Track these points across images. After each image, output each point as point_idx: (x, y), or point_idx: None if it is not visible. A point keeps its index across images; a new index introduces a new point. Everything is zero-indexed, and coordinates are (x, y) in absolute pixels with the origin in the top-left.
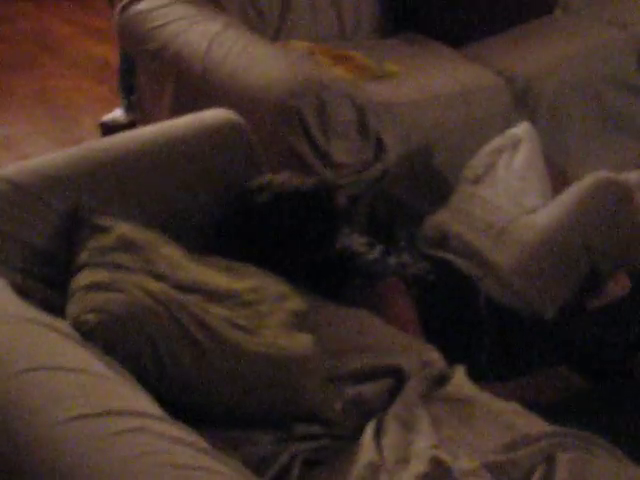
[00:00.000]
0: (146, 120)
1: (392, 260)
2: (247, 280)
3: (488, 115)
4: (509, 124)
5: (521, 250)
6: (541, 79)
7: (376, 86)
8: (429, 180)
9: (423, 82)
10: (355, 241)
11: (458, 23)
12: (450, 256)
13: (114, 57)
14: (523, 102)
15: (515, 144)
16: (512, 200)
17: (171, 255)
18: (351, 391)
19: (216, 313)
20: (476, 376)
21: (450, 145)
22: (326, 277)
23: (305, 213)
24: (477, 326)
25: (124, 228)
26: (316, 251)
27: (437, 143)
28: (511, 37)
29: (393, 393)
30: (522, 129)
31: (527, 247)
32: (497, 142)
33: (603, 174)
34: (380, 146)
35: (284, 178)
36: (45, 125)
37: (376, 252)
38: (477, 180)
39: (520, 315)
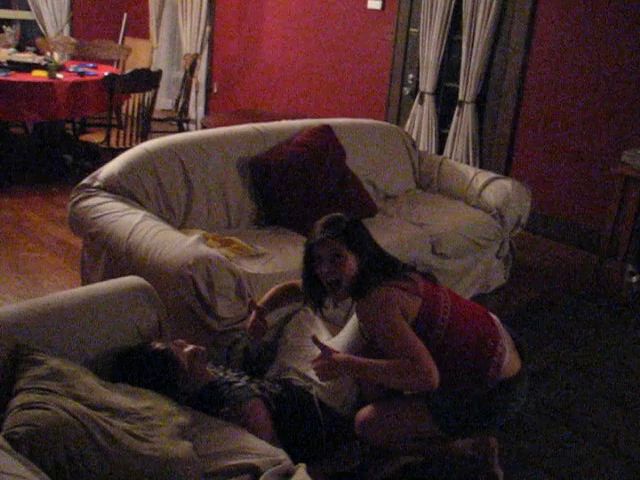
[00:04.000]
0: (86, 283)
1: (254, 385)
2: (144, 401)
3: None
4: None
5: None
6: None
7: (250, 262)
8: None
9: (283, 260)
10: (228, 374)
11: (309, 220)
12: (291, 376)
13: (68, 237)
14: None
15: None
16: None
17: (88, 383)
18: None
19: (119, 425)
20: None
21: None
22: (205, 401)
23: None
24: (316, 424)
25: (54, 362)
26: (167, 388)
27: (291, 305)
28: None
29: None
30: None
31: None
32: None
33: None
34: (251, 304)
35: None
36: (13, 284)
37: (242, 380)
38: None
39: (339, 413)
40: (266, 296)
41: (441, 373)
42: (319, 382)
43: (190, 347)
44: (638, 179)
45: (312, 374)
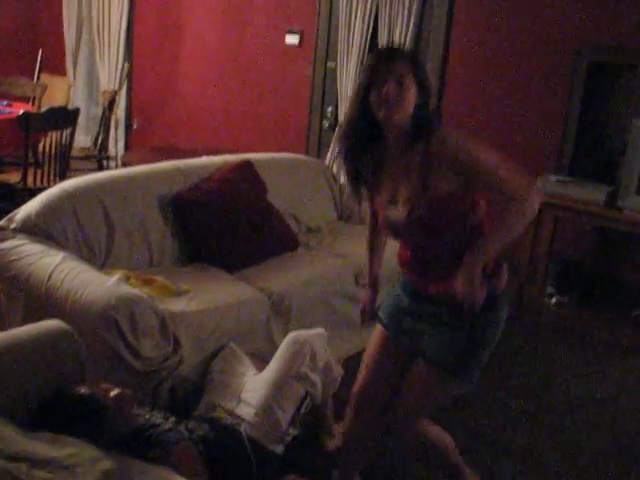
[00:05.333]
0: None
1: (182, 427)
2: (67, 448)
3: (253, 320)
4: (269, 328)
5: (258, 397)
6: (291, 292)
7: (174, 300)
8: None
9: (207, 297)
10: (154, 416)
11: (232, 256)
12: (218, 414)
13: None
14: (279, 310)
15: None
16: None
17: (6, 433)
18: None
19: (40, 476)
20: None
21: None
22: (132, 445)
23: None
24: (246, 461)
25: None
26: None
27: (218, 342)
28: (269, 265)
29: None
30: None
31: (260, 391)
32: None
33: (295, 333)
34: (176, 343)
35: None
36: None
37: (169, 422)
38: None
39: (270, 449)
40: (369, 274)
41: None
42: (248, 419)
43: (115, 391)
44: (550, 204)
45: (240, 411)
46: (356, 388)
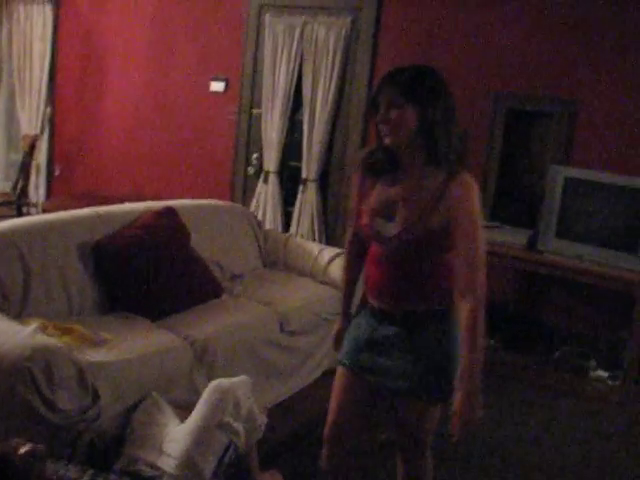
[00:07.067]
0: None
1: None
2: None
3: (176, 369)
4: (192, 377)
5: (179, 447)
6: (215, 340)
7: (94, 350)
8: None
9: (128, 346)
10: (70, 469)
11: (154, 304)
12: (140, 467)
13: None
14: (203, 358)
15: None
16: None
17: None
18: None
19: None
20: None
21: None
22: None
23: None
24: None
25: None
26: None
27: (139, 393)
28: (193, 313)
29: None
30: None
31: (182, 442)
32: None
33: (217, 381)
34: (96, 394)
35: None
36: None
37: (87, 476)
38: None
39: None
40: (342, 301)
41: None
42: (170, 471)
43: (26, 447)
44: None
45: (162, 463)
46: (326, 431)
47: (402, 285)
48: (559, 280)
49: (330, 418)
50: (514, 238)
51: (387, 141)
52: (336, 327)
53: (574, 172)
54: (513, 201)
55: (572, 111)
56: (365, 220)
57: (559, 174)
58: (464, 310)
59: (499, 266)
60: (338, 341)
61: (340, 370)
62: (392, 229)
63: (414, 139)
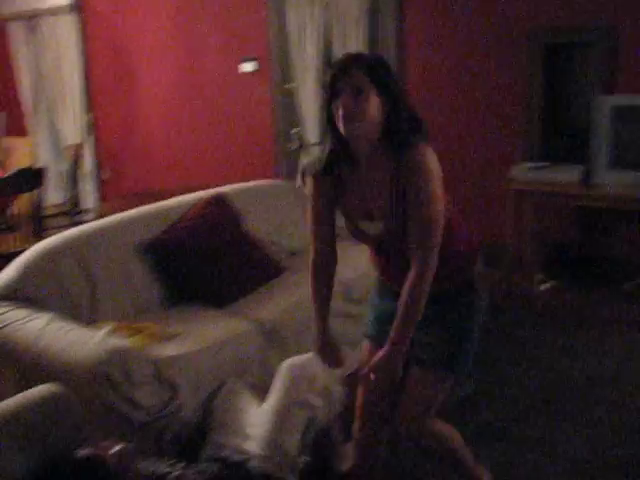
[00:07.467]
0: None
1: (191, 472)
2: None
3: (249, 353)
4: (265, 359)
5: (262, 430)
6: (283, 319)
7: (166, 345)
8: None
9: (199, 337)
10: (161, 464)
11: (217, 292)
12: (227, 453)
13: None
14: (273, 339)
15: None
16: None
17: None
18: None
19: None
20: None
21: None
22: None
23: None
24: None
25: None
26: None
27: (216, 381)
28: (257, 295)
29: None
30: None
31: (264, 424)
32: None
33: (290, 360)
34: (174, 388)
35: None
36: None
37: (178, 469)
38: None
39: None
40: (315, 316)
41: (445, 263)
42: (256, 454)
43: (117, 447)
44: (528, 192)
45: (248, 446)
46: (358, 403)
47: (408, 270)
48: (618, 212)
49: (359, 391)
50: (567, 175)
51: (355, 132)
52: (316, 338)
53: (620, 100)
54: (561, 138)
55: (613, 38)
56: (349, 224)
57: (605, 104)
58: (412, 270)
59: (555, 206)
60: (322, 347)
61: (365, 344)
62: (375, 228)
63: (376, 126)
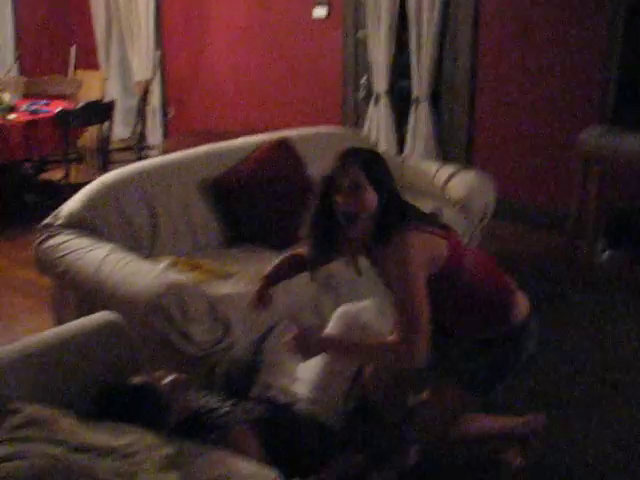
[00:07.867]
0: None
1: (239, 409)
2: (126, 437)
3: (303, 296)
4: (319, 303)
5: (312, 373)
6: (337, 265)
7: (222, 283)
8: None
9: (255, 277)
10: (211, 399)
11: (276, 235)
12: (275, 393)
13: (37, 278)
14: (328, 284)
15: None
16: None
17: (69, 425)
18: None
19: (103, 466)
20: None
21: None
22: (191, 430)
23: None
24: (306, 438)
25: (30, 409)
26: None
27: (268, 322)
28: None
29: None
30: None
31: (314, 368)
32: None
33: (344, 307)
34: (227, 326)
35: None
36: None
37: (227, 405)
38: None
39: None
40: (271, 268)
41: (472, 318)
42: (304, 396)
43: (170, 377)
44: (597, 157)
45: (296, 388)
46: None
47: (446, 323)
48: None
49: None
50: (637, 142)
51: (355, 230)
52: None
53: None
54: (635, 103)
55: None
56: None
57: None
58: (394, 335)
59: (623, 174)
60: (259, 298)
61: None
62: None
63: (369, 221)
